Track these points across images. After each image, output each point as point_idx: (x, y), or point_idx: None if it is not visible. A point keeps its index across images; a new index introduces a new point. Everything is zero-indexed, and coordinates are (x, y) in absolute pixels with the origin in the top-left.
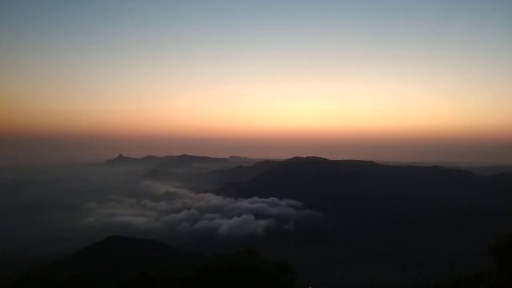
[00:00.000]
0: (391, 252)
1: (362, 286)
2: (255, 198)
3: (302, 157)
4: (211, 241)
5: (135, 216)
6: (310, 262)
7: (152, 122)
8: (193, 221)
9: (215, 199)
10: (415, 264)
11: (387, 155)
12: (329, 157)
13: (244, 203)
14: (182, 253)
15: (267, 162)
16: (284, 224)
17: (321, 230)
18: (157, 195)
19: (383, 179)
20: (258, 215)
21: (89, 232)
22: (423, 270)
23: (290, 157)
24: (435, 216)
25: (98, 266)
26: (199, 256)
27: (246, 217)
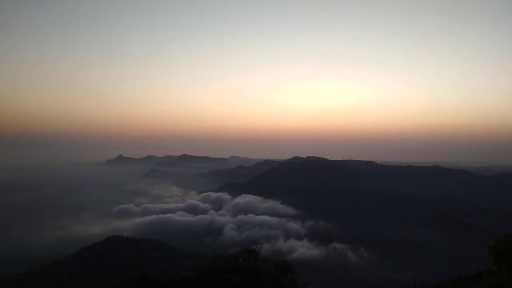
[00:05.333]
0: (391, 252)
1: (362, 286)
2: (256, 198)
3: (302, 157)
4: (212, 241)
5: (135, 216)
6: (310, 262)
7: (152, 122)
8: (193, 220)
9: (215, 199)
10: (415, 264)
11: (387, 155)
12: (329, 157)
13: (244, 203)
14: (182, 253)
15: (267, 162)
16: (284, 223)
17: (321, 230)
18: (157, 195)
19: (383, 179)
20: (259, 214)
21: (89, 232)
22: (423, 270)
23: (290, 157)
24: (435, 216)
25: (98, 266)
26: (199, 256)
27: (246, 217)
